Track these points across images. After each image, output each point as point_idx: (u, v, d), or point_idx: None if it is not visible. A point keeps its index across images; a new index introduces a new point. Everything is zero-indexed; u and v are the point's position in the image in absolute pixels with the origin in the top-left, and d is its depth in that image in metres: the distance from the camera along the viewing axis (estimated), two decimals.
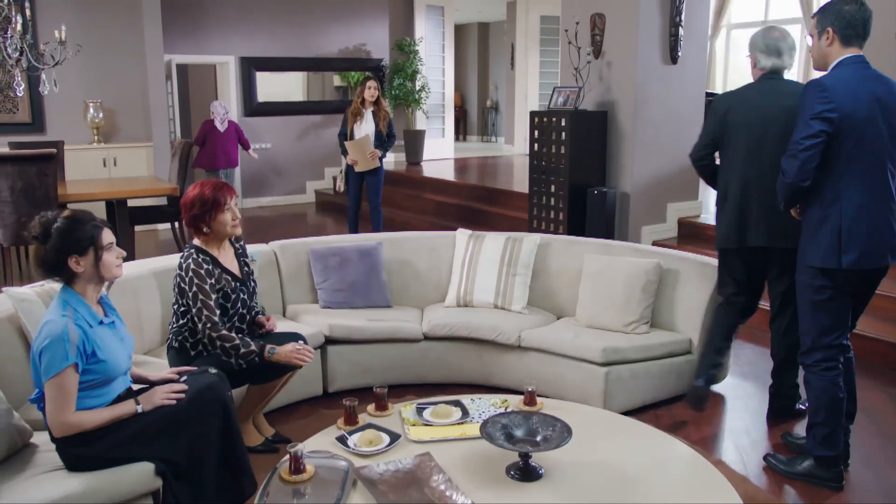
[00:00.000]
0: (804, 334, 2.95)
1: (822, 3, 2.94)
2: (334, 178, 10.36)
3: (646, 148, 5.94)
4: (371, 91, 6.61)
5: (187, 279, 2.98)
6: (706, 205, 6.85)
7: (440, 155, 11.42)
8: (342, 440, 2.59)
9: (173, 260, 3.75)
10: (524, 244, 4.15)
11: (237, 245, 3.23)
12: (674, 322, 3.83)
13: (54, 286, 3.02)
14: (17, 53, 5.51)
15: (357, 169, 6.68)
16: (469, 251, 4.23)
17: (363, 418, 2.78)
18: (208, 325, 2.93)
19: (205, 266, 3.00)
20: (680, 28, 5.83)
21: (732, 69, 12.04)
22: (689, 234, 6.17)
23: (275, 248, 4.20)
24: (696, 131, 6.24)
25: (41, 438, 2.52)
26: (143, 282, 3.55)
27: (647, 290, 3.76)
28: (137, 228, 7.45)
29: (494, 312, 4.02)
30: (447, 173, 9.66)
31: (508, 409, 2.84)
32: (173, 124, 9.59)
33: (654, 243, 5.95)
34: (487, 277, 4.12)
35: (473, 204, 7.94)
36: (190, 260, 3.01)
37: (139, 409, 2.41)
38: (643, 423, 2.85)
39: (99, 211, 7.40)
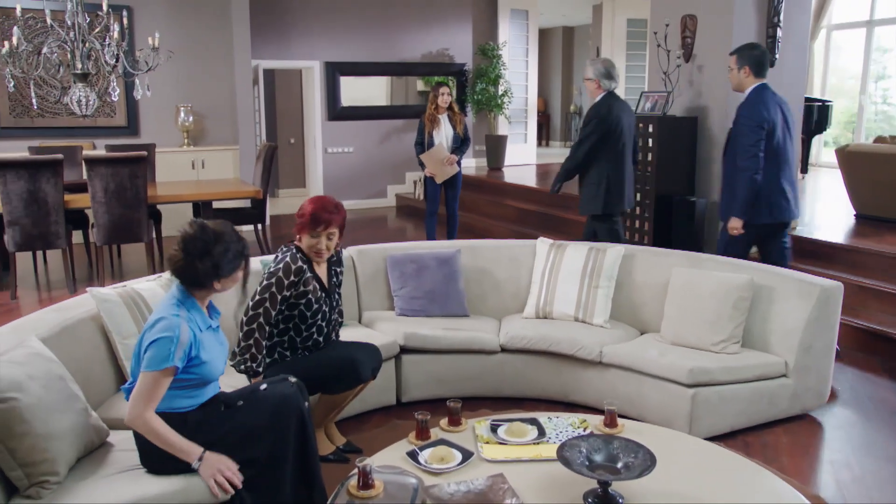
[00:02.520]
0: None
1: None
2: (415, 183, 10.37)
3: None
4: (444, 97, 6.62)
5: (269, 273, 2.98)
6: (803, 216, 6.48)
7: (522, 160, 11.27)
8: (413, 455, 2.52)
9: (252, 263, 3.76)
10: (608, 255, 3.98)
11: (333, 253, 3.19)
12: (767, 342, 3.59)
13: (137, 286, 3.08)
14: (114, 60, 5.72)
15: (438, 181, 6.66)
16: (550, 261, 4.09)
17: (435, 433, 2.70)
18: (254, 324, 2.93)
19: (296, 264, 2.98)
20: (778, 29, 5.52)
21: (832, 72, 11.42)
22: None
23: (352, 253, 4.17)
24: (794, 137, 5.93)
25: (117, 437, 2.55)
26: None
27: (738, 306, 3.54)
28: None
29: (575, 325, 3.87)
30: (529, 179, 9.51)
31: (587, 431, 2.70)
32: (259, 128, 9.80)
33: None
34: (568, 289, 3.97)
35: (555, 211, 7.77)
36: (287, 256, 3.01)
37: (196, 465, 2.33)
38: (732, 452, 2.66)
39: (186, 212, 7.65)
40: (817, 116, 9.36)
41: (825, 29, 10.97)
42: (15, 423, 2.11)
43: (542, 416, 2.83)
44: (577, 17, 14.69)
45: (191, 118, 8.58)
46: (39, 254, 6.96)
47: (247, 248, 2.52)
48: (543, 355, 3.77)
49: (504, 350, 3.81)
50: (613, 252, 4.01)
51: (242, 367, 2.98)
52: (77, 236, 6.91)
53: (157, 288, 3.14)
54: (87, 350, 2.85)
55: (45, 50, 5.73)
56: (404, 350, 3.74)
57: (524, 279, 4.20)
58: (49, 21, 5.59)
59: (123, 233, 5.95)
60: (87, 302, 3.00)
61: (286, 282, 2.98)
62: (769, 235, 4.27)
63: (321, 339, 3.16)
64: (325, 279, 3.16)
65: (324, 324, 3.15)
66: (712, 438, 3.21)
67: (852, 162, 6.54)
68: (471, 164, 10.76)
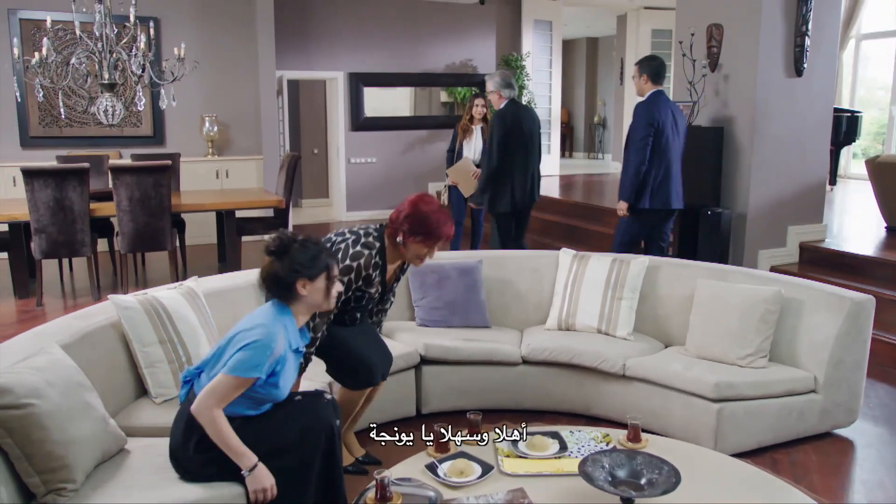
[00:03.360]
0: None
1: None
2: (438, 193, 10.35)
3: (765, 166, 5.56)
4: (479, 108, 6.63)
5: (351, 257, 2.87)
6: (831, 228, 6.37)
7: (545, 171, 11.12)
8: (432, 468, 2.48)
9: None
10: (631, 266, 3.92)
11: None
12: (796, 357, 3.50)
13: (158, 294, 3.09)
14: (140, 70, 5.78)
15: (465, 194, 6.65)
16: (573, 272, 4.04)
17: (455, 446, 2.66)
18: (325, 316, 2.86)
19: (374, 260, 2.90)
20: (806, 38, 5.44)
21: (861, 83, 11.25)
22: (812, 260, 5.72)
23: None
24: (822, 149, 5.84)
25: (135, 444, 2.54)
26: (243, 294, 3.56)
27: (765, 320, 3.46)
28: (245, 239, 7.65)
29: (598, 338, 3.81)
30: (552, 190, 9.46)
31: (610, 445, 2.65)
32: (283, 138, 9.86)
33: (773, 269, 5.55)
34: (591, 300, 3.92)
35: (578, 222, 7.71)
36: (368, 253, 2.89)
37: (246, 473, 2.32)
38: (759, 469, 2.59)
39: (209, 221, 7.70)
40: (846, 127, 9.22)
41: (854, 39, 10.81)
42: (33, 430, 2.10)
43: (565, 430, 2.78)
44: (601, 28, 14.64)
45: (215, 128, 8.65)
46: (65, 261, 7.04)
47: (331, 259, 2.50)
48: (565, 367, 3.71)
49: (525, 362, 3.76)
50: (637, 263, 3.95)
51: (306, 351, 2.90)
52: (102, 244, 6.98)
53: (178, 296, 3.14)
54: (108, 357, 2.85)
55: (73, 60, 5.81)
56: (425, 361, 3.70)
57: (546, 290, 4.15)
58: (78, 32, 5.67)
59: (147, 241, 6.00)
60: (109, 309, 3.00)
61: (364, 273, 2.88)
62: (657, 222, 4.92)
63: (358, 315, 3.10)
64: (389, 277, 3.09)
65: (364, 315, 3.13)
66: (739, 455, 3.13)
67: (883, 173, 6.41)
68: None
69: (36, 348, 2.47)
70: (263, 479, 2.34)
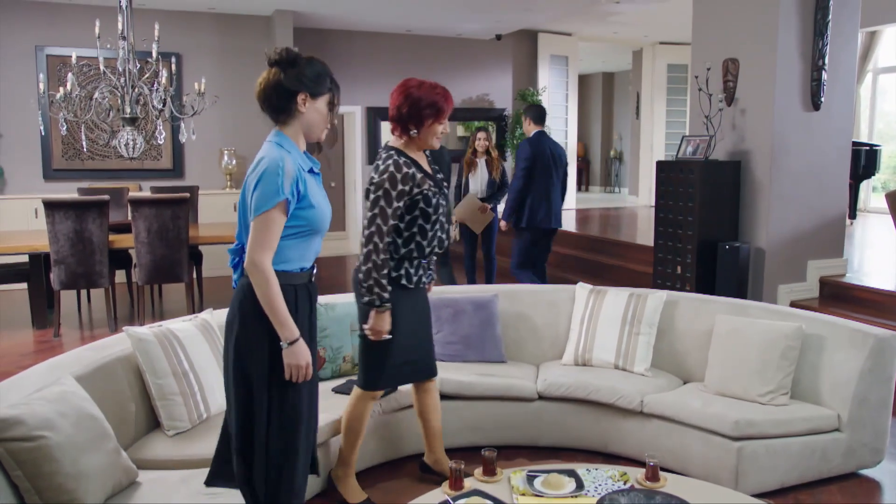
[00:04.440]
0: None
1: None
2: (449, 229, 10.37)
3: (783, 200, 5.52)
4: (481, 142, 6.71)
5: (378, 181, 2.84)
6: (851, 262, 6.29)
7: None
8: None
9: None
10: (649, 301, 3.88)
11: (427, 153, 3.10)
12: (818, 394, 3.43)
13: (173, 326, 3.09)
14: (161, 105, 5.88)
15: (476, 230, 6.67)
16: (589, 307, 4.00)
17: (470, 483, 2.62)
18: (374, 239, 2.82)
19: (404, 169, 2.85)
20: (823, 72, 5.42)
21: (879, 117, 11.20)
22: (833, 296, 5.64)
23: None
24: (841, 182, 5.79)
25: (146, 477, 2.52)
26: None
27: (786, 356, 3.39)
28: None
29: (615, 373, 3.76)
30: (568, 224, 9.44)
31: (628, 484, 2.59)
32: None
33: (793, 304, 5.47)
34: (608, 335, 3.87)
35: (595, 257, 7.68)
36: (391, 161, 2.85)
37: (284, 345, 2.21)
38: None
39: (226, 253, 7.73)
40: (865, 161, 9.16)
41: (871, 72, 10.80)
42: (43, 462, 2.09)
43: (581, 468, 2.72)
44: (617, 63, 14.75)
45: (234, 161, 8.75)
46: (83, 292, 7.10)
47: (336, 88, 2.39)
48: (582, 404, 3.66)
49: (542, 398, 3.70)
50: (655, 298, 3.90)
51: (366, 298, 2.85)
52: (120, 276, 7.04)
53: (193, 328, 3.14)
54: (122, 389, 2.85)
55: (96, 95, 5.92)
56: (440, 396, 3.66)
57: (563, 325, 4.11)
58: (102, 68, 5.79)
59: (164, 273, 6.03)
60: (123, 341, 3.01)
61: (394, 193, 2.83)
62: (540, 238, 6.09)
63: (444, 236, 3.04)
64: (428, 171, 3.02)
65: (444, 219, 3.02)
66: (761, 495, 3.06)
67: None
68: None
69: (50, 380, 2.47)
70: (300, 355, 2.23)
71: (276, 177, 2.18)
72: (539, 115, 6.06)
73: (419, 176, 2.90)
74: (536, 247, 6.10)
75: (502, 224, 6.07)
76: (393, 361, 3.01)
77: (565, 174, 6.16)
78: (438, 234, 3.01)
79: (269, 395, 2.25)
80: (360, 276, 2.87)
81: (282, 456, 2.27)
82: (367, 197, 2.91)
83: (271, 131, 2.36)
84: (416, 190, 2.88)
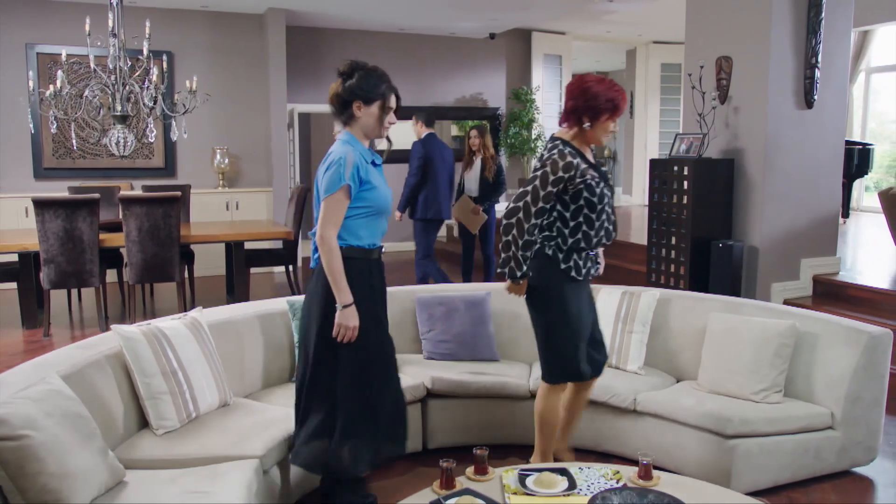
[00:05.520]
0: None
1: None
2: (449, 227, 10.35)
3: (777, 198, 5.51)
4: (472, 140, 6.77)
5: (540, 165, 2.91)
6: (845, 261, 6.29)
7: None
8: None
9: (278, 304, 3.74)
10: (642, 299, 3.86)
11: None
12: (811, 392, 3.42)
13: (162, 325, 3.05)
14: (152, 102, 5.84)
15: (472, 231, 6.70)
16: None
17: (461, 482, 2.59)
18: (518, 214, 2.88)
19: (568, 157, 2.88)
20: (816, 70, 5.42)
21: (872, 116, 11.23)
22: (827, 294, 5.64)
23: None
24: (834, 181, 5.79)
25: (133, 477, 2.49)
26: (247, 325, 3.53)
27: (780, 354, 3.38)
28: (253, 270, 7.66)
29: (608, 372, 3.70)
30: None
31: (621, 483, 2.57)
32: (293, 171, 9.91)
33: (786, 302, 5.47)
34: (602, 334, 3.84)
35: None
36: (556, 151, 2.91)
37: (339, 307, 2.65)
38: None
39: (218, 252, 7.70)
40: (858, 160, 9.18)
41: (864, 72, 10.82)
42: (27, 462, 2.05)
43: (574, 467, 2.70)
44: (611, 62, 14.75)
45: (226, 160, 8.70)
46: (74, 292, 7.05)
47: (390, 91, 2.80)
48: None
49: (534, 396, 3.67)
50: (648, 296, 3.89)
51: (502, 269, 2.97)
52: (111, 275, 6.99)
53: (182, 327, 3.10)
54: (109, 388, 2.81)
55: (87, 93, 5.87)
56: (431, 394, 3.64)
57: None
58: (93, 66, 5.75)
59: (156, 272, 5.99)
60: (111, 340, 2.97)
61: (551, 178, 2.87)
62: (433, 230, 6.59)
63: (611, 227, 3.05)
64: (592, 162, 3.04)
65: (609, 225, 3.04)
66: (754, 494, 3.04)
67: None
68: (503, 208, 10.72)
69: (35, 378, 2.43)
70: (351, 318, 2.67)
71: (340, 167, 2.66)
72: (429, 118, 6.60)
73: (583, 166, 2.92)
74: (431, 237, 6.60)
75: (396, 215, 6.41)
76: (572, 353, 3.05)
77: (452, 172, 6.70)
78: (605, 224, 3.02)
79: (346, 351, 2.71)
80: (501, 245, 2.95)
81: (357, 410, 2.73)
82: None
83: (342, 131, 2.84)
84: (578, 179, 2.90)
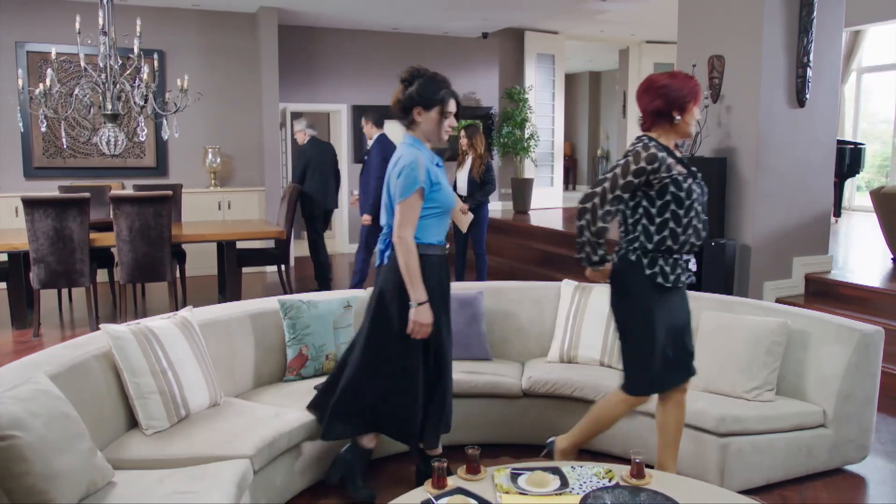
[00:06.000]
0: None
1: None
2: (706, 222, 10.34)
3: (769, 197, 5.52)
4: (462, 139, 6.85)
5: (623, 156, 2.84)
6: (836, 259, 6.31)
7: (548, 204, 11.21)
8: None
9: (270, 303, 3.72)
10: None
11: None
12: (803, 390, 3.42)
13: (151, 324, 3.03)
14: (143, 101, 5.80)
15: (462, 229, 6.74)
16: (575, 304, 3.98)
17: (453, 481, 2.57)
18: (594, 199, 2.81)
19: (652, 150, 2.77)
20: (808, 69, 5.43)
21: (863, 117, 11.27)
22: (819, 292, 5.65)
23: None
24: (826, 180, 5.80)
25: (121, 478, 2.46)
26: (238, 324, 3.51)
27: (772, 352, 3.38)
28: (245, 270, 7.62)
29: (600, 370, 3.73)
30: (555, 222, 9.43)
31: (613, 481, 2.56)
32: (286, 170, 9.87)
33: (778, 300, 5.47)
34: (594, 332, 3.84)
35: None
36: (640, 144, 2.82)
37: (413, 304, 2.82)
38: None
39: (210, 252, 7.67)
40: (850, 159, 9.20)
41: (855, 71, 10.85)
42: (13, 463, 2.03)
43: (566, 466, 2.69)
44: (604, 62, 14.76)
45: (218, 160, 8.67)
46: (65, 292, 7.01)
47: (449, 95, 2.92)
48: (567, 401, 3.63)
49: (526, 395, 3.67)
50: None
51: (579, 255, 2.93)
52: (102, 275, 6.95)
53: (172, 326, 3.08)
54: (98, 388, 2.79)
55: (77, 91, 5.83)
56: None
57: (548, 322, 4.08)
58: (83, 64, 5.70)
59: (147, 271, 5.96)
60: (100, 339, 2.95)
61: (633, 167, 2.76)
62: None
63: (701, 226, 2.91)
64: (679, 158, 2.95)
65: (699, 223, 2.90)
66: (746, 492, 3.04)
67: (888, 204, 6.36)
68: (497, 208, 10.73)
69: (22, 378, 2.40)
70: (425, 315, 2.83)
71: (414, 169, 2.80)
72: (378, 119, 6.81)
73: (669, 160, 2.83)
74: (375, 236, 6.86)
75: (364, 218, 6.58)
76: (653, 365, 2.86)
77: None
78: (694, 222, 2.87)
79: (399, 345, 2.90)
80: (576, 230, 2.90)
81: (399, 394, 2.93)
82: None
83: (404, 135, 2.98)
84: (664, 173, 2.79)
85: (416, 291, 2.81)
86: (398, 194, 2.81)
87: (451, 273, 6.78)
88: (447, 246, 3.02)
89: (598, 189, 2.83)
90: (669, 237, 2.85)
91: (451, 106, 2.92)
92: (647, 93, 2.88)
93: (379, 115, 6.82)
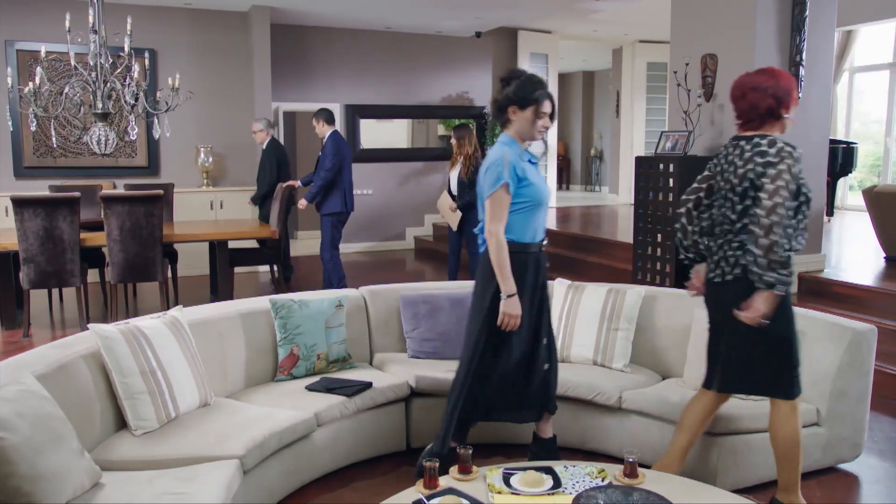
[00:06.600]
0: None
1: None
2: (434, 226, 10.32)
3: None
4: (451, 140, 6.85)
5: (776, 153, 2.70)
6: (829, 258, 6.31)
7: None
8: None
9: (261, 303, 3.69)
10: (627, 296, 3.84)
11: None
12: None
13: (140, 323, 3.00)
14: (134, 100, 5.76)
15: (452, 226, 6.77)
16: (567, 302, 3.96)
17: (445, 481, 2.56)
18: (779, 210, 2.61)
19: (796, 154, 2.70)
20: (801, 67, 5.43)
21: (855, 116, 11.30)
22: (812, 291, 5.64)
23: (364, 293, 4.07)
24: (819, 179, 5.80)
25: (109, 479, 2.44)
26: (229, 323, 3.48)
27: None
28: (238, 270, 7.58)
29: (593, 370, 3.72)
30: (549, 222, 9.40)
31: (606, 481, 2.54)
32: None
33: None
34: (587, 331, 3.83)
35: (574, 254, 7.65)
36: (781, 142, 2.72)
37: (503, 296, 2.91)
38: None
39: (202, 251, 7.63)
40: (842, 159, 9.22)
41: (847, 71, 10.88)
42: None
43: (559, 465, 2.67)
44: (597, 62, 14.76)
45: (210, 159, 8.63)
46: (55, 292, 6.96)
47: (544, 97, 2.99)
48: (560, 400, 3.57)
49: None
50: (633, 293, 3.87)
51: (770, 277, 2.63)
52: (94, 275, 6.90)
53: (161, 326, 3.05)
54: (86, 388, 2.75)
55: (67, 90, 5.79)
56: (415, 393, 3.60)
57: None
58: (73, 63, 5.66)
59: (138, 271, 5.92)
60: (89, 339, 2.91)
61: (795, 168, 2.69)
62: (345, 220, 6.94)
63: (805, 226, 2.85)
64: None
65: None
66: (740, 491, 3.02)
67: (881, 203, 6.37)
68: None
69: (9, 379, 2.37)
70: (515, 307, 2.92)
71: (499, 165, 2.92)
72: (330, 116, 6.93)
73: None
74: (339, 231, 6.97)
75: (301, 203, 6.91)
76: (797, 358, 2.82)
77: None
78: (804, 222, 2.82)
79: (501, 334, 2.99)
80: (759, 251, 2.63)
81: (513, 376, 3.03)
82: (751, 188, 2.75)
83: (501, 133, 3.10)
84: (802, 175, 2.76)
85: (506, 284, 2.90)
86: (485, 190, 2.94)
87: (454, 271, 6.89)
88: (545, 241, 3.11)
89: (779, 198, 2.62)
90: (802, 240, 2.81)
91: (546, 106, 3.00)
92: (757, 91, 2.80)
93: (328, 113, 6.96)
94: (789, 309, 2.81)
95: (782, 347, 2.79)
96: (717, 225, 2.94)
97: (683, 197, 3.10)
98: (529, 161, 3.04)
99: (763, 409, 3.22)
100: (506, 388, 3.06)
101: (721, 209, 2.92)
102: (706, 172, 3.06)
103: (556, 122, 8.01)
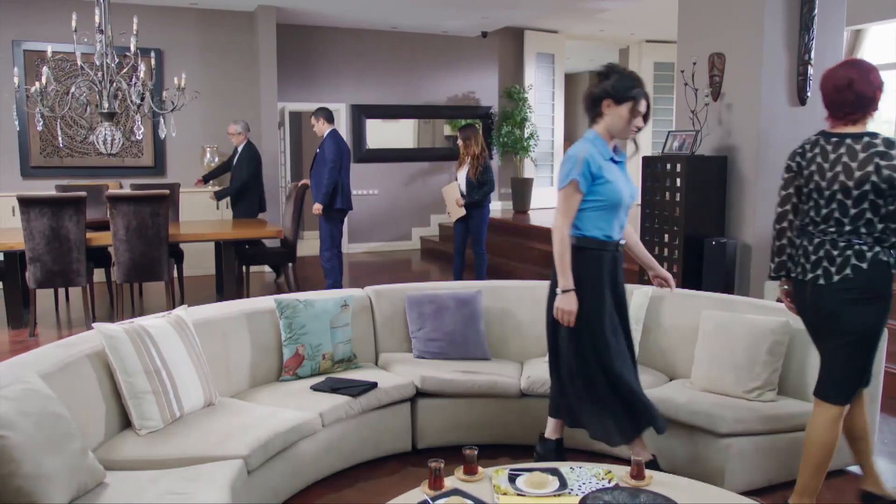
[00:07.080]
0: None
1: None
2: (440, 227, 10.31)
3: (770, 196, 5.45)
4: (458, 141, 6.89)
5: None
6: None
7: (548, 203, 11.17)
8: None
9: (266, 302, 3.68)
10: (634, 297, 3.82)
11: None
12: (805, 390, 3.37)
13: (145, 323, 2.99)
14: (140, 99, 5.76)
15: (451, 217, 6.81)
16: None
17: (450, 482, 2.54)
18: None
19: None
20: (809, 67, 5.39)
21: None
22: None
23: (370, 293, 4.06)
24: None
25: (113, 478, 2.42)
26: (234, 323, 3.47)
27: (773, 352, 3.34)
28: (254, 269, 7.57)
29: None
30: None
31: (612, 483, 2.52)
32: (284, 169, 9.84)
33: (779, 300, 5.41)
34: None
35: None
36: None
37: (559, 291, 2.88)
38: None
39: (208, 251, 7.63)
40: None
41: None
42: (1, 463, 1.99)
43: (565, 467, 2.65)
44: (604, 61, 14.63)
45: (216, 159, 8.63)
46: (61, 292, 6.97)
47: (641, 96, 2.89)
48: None
49: (525, 395, 3.63)
50: (640, 294, 3.84)
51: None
52: (100, 274, 6.91)
53: (166, 325, 3.04)
54: (90, 388, 2.75)
55: (73, 90, 5.79)
56: (421, 394, 3.59)
57: None
58: (79, 62, 5.66)
59: (143, 271, 5.92)
60: (94, 338, 2.91)
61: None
62: (344, 217, 7.01)
63: None
64: None
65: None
66: (748, 493, 3.00)
67: None
68: (497, 207, 10.70)
69: (12, 377, 2.36)
70: (570, 302, 2.88)
71: (571, 162, 2.88)
72: (329, 115, 6.95)
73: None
74: (339, 228, 7.00)
75: (315, 207, 6.74)
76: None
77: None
78: None
79: (567, 339, 2.97)
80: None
81: (575, 397, 3.03)
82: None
83: (587, 129, 3.01)
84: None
85: (563, 278, 2.87)
86: (558, 184, 2.94)
87: (460, 271, 6.88)
88: (622, 242, 3.06)
89: None
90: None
91: (642, 106, 2.92)
92: (864, 82, 2.75)
93: (327, 112, 6.95)
94: (886, 311, 2.75)
95: (864, 346, 2.75)
96: (810, 224, 2.86)
97: (779, 210, 3.01)
98: (612, 160, 2.96)
99: (769, 410, 3.20)
100: (575, 403, 3.07)
101: (820, 209, 2.80)
102: (789, 173, 2.98)
103: (562, 121, 7.94)
